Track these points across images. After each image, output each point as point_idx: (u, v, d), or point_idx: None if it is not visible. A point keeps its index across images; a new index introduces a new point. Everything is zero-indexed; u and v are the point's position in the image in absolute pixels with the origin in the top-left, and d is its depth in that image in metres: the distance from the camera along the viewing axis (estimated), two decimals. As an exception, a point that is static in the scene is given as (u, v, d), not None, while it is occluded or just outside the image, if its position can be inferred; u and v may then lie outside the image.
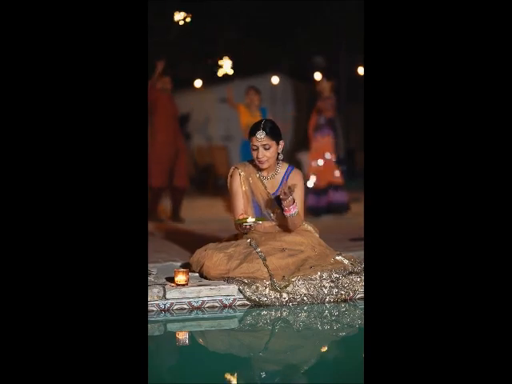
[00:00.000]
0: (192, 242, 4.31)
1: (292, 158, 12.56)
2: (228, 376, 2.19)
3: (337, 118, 6.88)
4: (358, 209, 6.43)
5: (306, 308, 2.97)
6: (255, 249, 3.14)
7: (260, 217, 3.20)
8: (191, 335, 2.73)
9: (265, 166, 3.21)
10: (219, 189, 9.92)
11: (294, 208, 3.14)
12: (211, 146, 13.59)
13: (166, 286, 2.97)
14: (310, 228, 3.38)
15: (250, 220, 3.05)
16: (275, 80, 10.39)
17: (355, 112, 11.15)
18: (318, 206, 6.75)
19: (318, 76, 7.05)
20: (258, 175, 3.29)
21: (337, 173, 6.77)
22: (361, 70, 8.03)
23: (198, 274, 3.21)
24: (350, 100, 11.96)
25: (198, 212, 7.41)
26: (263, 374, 2.17)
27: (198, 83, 10.41)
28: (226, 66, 6.56)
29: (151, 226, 5.70)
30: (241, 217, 3.11)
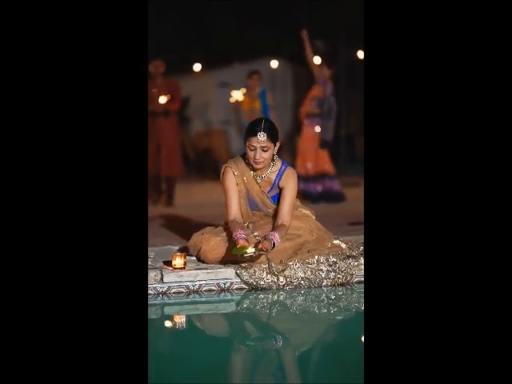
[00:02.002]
0: (190, 226, 4.31)
1: (291, 143, 12.54)
2: (225, 360, 2.20)
3: (329, 101, 6.80)
4: (356, 194, 6.43)
5: (303, 292, 2.98)
6: (253, 232, 3.14)
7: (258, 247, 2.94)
8: (188, 319, 2.74)
9: (260, 166, 3.09)
10: (219, 173, 9.86)
11: (275, 237, 2.96)
12: (211, 130, 13.57)
13: (163, 270, 2.98)
14: (307, 212, 3.38)
15: (250, 250, 2.86)
16: (274, 64, 10.34)
17: (355, 98, 11.11)
18: (307, 191, 6.73)
19: (317, 60, 6.99)
20: (252, 174, 3.18)
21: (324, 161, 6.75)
22: (361, 55, 7.98)
23: (195, 258, 3.22)
24: (350, 86, 11.92)
25: (198, 196, 7.40)
26: (260, 358, 2.18)
27: (197, 67, 10.37)
28: (236, 95, 6.64)
29: (149, 211, 5.70)
30: (238, 245, 2.89)
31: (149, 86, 6.07)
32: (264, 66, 10.16)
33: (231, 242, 3.01)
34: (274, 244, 2.94)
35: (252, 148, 3.04)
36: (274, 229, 3.08)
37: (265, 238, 2.98)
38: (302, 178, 6.68)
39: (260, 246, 2.90)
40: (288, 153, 12.18)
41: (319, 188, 6.71)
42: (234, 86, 8.56)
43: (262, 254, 2.94)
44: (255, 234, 3.12)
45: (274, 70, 11.20)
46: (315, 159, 6.77)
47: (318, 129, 6.71)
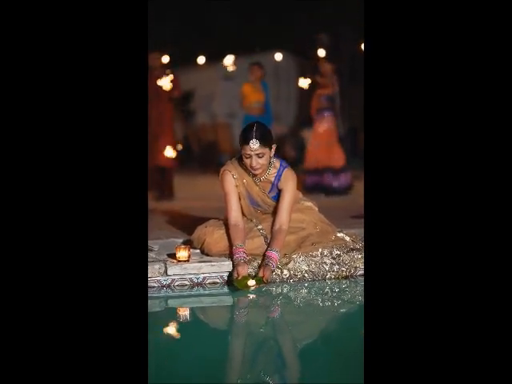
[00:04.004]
0: (194, 219, 4.32)
1: (296, 135, 12.55)
2: (228, 352, 2.21)
3: (337, 100, 6.81)
4: (358, 187, 6.42)
5: (306, 285, 2.98)
6: (256, 226, 3.14)
7: (258, 276, 2.87)
8: (192, 311, 2.74)
9: (258, 172, 3.03)
10: (222, 166, 9.87)
11: (275, 259, 2.93)
12: (215, 122, 13.58)
13: (167, 263, 2.98)
14: (309, 204, 3.38)
15: (251, 283, 2.81)
16: (278, 57, 10.33)
17: (357, 92, 11.10)
18: (311, 184, 6.74)
19: (321, 53, 7.00)
20: (251, 177, 3.13)
21: (335, 156, 6.75)
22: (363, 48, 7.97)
23: (199, 251, 3.22)
24: (352, 79, 11.92)
25: (201, 189, 7.41)
26: (263, 351, 2.18)
27: (201, 60, 10.35)
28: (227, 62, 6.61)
29: (153, 204, 5.73)
30: (240, 276, 2.83)
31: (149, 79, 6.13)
32: (268, 59, 10.14)
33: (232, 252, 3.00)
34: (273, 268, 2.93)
35: (247, 156, 2.97)
36: (271, 235, 3.06)
37: (264, 261, 2.94)
38: (312, 172, 6.71)
39: (260, 274, 2.85)
40: (291, 146, 12.19)
41: (337, 182, 6.73)
42: (239, 79, 8.57)
43: (263, 285, 2.89)
44: (259, 227, 3.12)
45: (278, 62, 11.19)
46: (328, 154, 6.78)
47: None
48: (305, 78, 6.71)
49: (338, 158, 6.83)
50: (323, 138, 6.81)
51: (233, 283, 2.86)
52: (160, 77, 6.26)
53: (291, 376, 1.98)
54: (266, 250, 2.98)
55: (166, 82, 6.11)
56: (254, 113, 7.09)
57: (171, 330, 2.50)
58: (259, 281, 2.83)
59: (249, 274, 2.86)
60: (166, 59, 6.57)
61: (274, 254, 2.93)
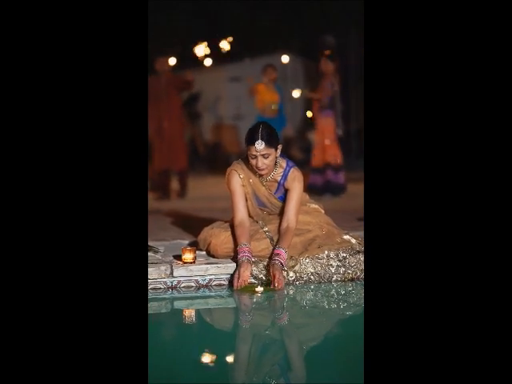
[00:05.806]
0: (200, 220, 4.32)
1: (302, 136, 12.53)
2: (233, 353, 2.21)
3: (338, 98, 6.80)
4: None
5: (312, 287, 2.98)
6: (262, 228, 3.14)
7: (266, 286, 2.91)
8: (198, 313, 2.74)
9: (264, 172, 3.04)
10: (229, 166, 9.86)
11: (283, 257, 2.92)
12: (222, 124, 13.59)
13: (173, 264, 2.99)
14: (316, 206, 3.37)
15: (259, 289, 2.84)
16: (285, 59, 10.32)
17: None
18: (315, 184, 6.75)
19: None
20: (257, 177, 3.14)
21: (333, 154, 6.73)
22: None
23: (205, 252, 3.22)
24: (360, 80, 11.90)
25: (207, 190, 7.42)
26: (268, 353, 2.18)
27: (208, 62, 10.35)
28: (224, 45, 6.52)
29: (159, 205, 5.74)
30: (243, 284, 2.83)
31: (157, 82, 6.22)
32: (275, 61, 10.14)
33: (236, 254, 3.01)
34: (282, 265, 2.92)
35: (253, 157, 2.99)
36: (279, 234, 3.07)
37: (271, 261, 2.92)
38: (313, 169, 6.72)
39: (271, 274, 2.84)
40: (297, 146, 12.16)
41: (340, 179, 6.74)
42: (246, 81, 8.59)
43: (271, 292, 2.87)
44: (265, 229, 3.12)
45: (285, 64, 11.19)
46: (326, 151, 6.79)
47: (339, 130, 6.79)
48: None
49: (335, 155, 6.82)
50: (323, 136, 6.81)
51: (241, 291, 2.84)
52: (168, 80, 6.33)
53: (295, 377, 1.98)
54: (274, 248, 2.98)
55: (201, 50, 6.19)
56: (267, 114, 7.09)
57: (176, 331, 2.51)
58: (266, 287, 2.82)
59: (255, 278, 2.86)
60: (172, 61, 6.61)
61: (281, 251, 2.94)
